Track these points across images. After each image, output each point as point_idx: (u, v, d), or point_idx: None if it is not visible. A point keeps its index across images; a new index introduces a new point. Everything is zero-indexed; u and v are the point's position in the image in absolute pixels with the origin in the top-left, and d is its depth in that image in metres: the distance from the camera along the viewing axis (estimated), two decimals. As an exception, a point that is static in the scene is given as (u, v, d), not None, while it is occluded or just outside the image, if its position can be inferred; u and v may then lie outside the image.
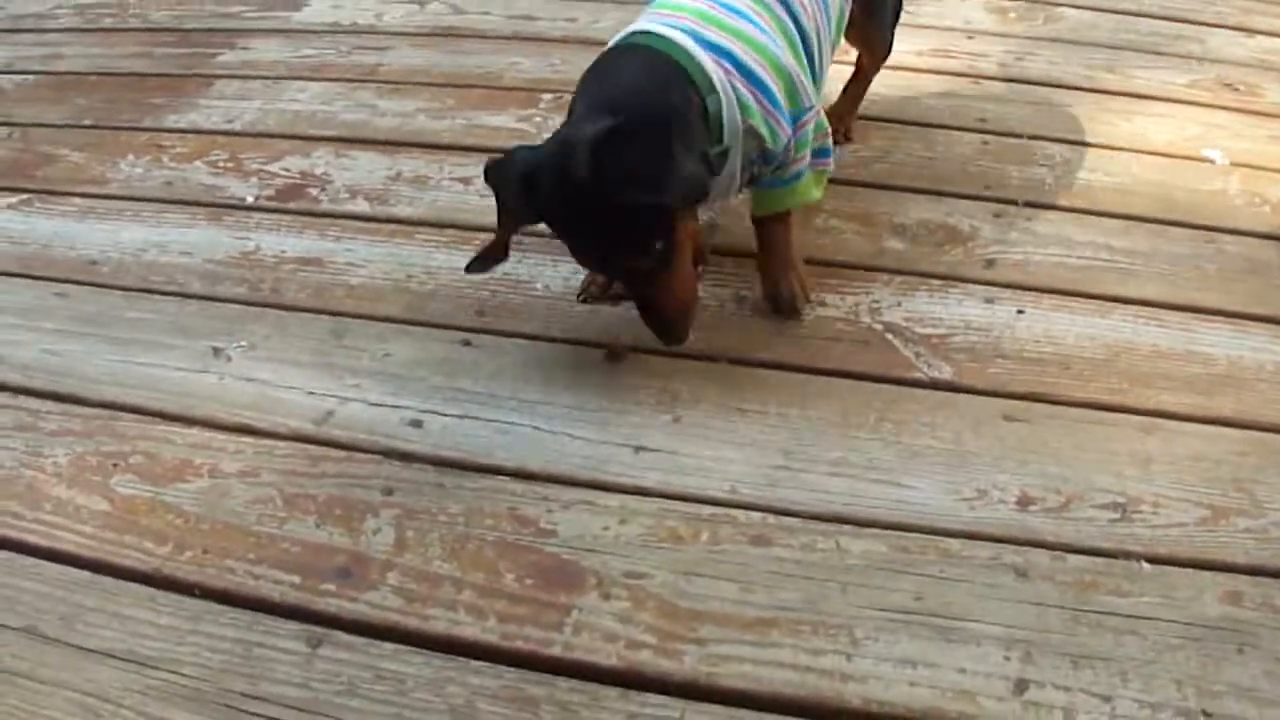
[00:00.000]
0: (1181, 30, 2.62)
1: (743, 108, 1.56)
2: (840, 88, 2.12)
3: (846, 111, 2.14)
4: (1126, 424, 1.52)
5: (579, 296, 1.77)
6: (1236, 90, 2.35)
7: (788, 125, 1.61)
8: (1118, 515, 1.39)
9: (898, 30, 2.14)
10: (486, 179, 1.53)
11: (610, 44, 1.62)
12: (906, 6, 2.34)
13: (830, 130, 1.72)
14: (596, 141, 1.41)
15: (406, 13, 2.76)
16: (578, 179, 1.41)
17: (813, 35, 1.72)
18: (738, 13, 1.62)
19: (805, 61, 1.69)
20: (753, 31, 1.60)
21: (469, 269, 1.59)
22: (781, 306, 1.72)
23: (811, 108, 1.65)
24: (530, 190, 1.47)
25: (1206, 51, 2.52)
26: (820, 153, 1.71)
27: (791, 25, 1.68)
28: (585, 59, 1.61)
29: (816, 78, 1.74)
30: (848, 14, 1.87)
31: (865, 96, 2.15)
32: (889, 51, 2.13)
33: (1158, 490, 1.42)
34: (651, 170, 1.42)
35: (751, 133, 1.58)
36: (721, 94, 1.54)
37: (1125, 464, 1.46)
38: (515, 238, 1.57)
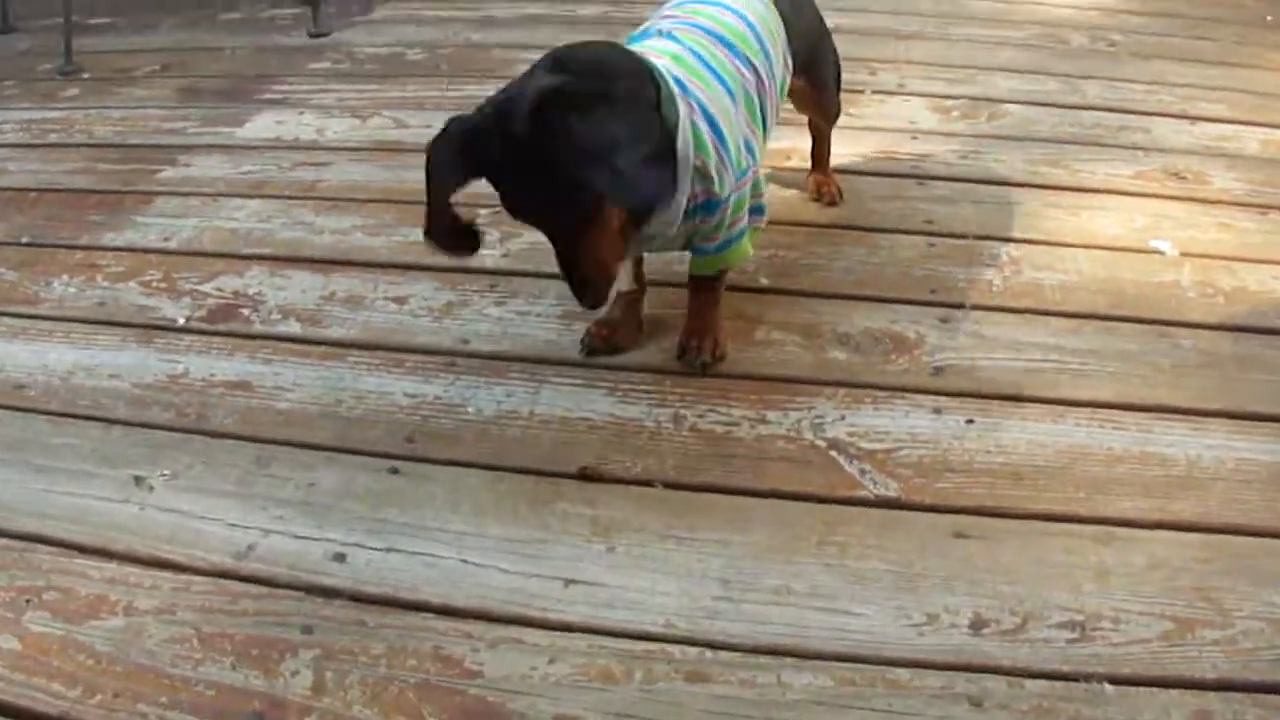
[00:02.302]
0: (1125, 121, 2.61)
1: (698, 143, 1.58)
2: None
3: (825, 174, 2.26)
4: (1083, 535, 1.45)
5: (581, 350, 1.81)
6: (1183, 179, 2.32)
7: (734, 178, 1.64)
8: (1076, 634, 1.31)
9: (842, 134, 2.15)
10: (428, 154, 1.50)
11: None
12: (849, 110, 2.34)
13: (763, 192, 1.78)
14: (540, 98, 1.39)
15: (349, 127, 2.74)
16: (514, 134, 1.40)
17: (770, 99, 1.79)
18: (709, 68, 1.67)
19: (761, 124, 1.77)
20: (719, 88, 1.66)
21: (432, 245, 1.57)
22: (690, 363, 1.77)
23: (752, 169, 1.70)
24: (468, 149, 1.46)
25: (1151, 141, 2.51)
26: (755, 210, 1.76)
27: (753, 88, 1.74)
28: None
29: (764, 139, 1.80)
30: (789, 83, 1.93)
31: (808, 197, 2.25)
32: (839, 111, 2.24)
33: (1118, 605, 1.34)
34: (592, 142, 1.40)
35: (701, 173, 1.59)
36: (681, 121, 1.54)
37: (1083, 578, 1.38)
38: (448, 358, 1.53)
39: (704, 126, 1.60)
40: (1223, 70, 2.95)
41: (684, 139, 1.55)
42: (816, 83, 2.07)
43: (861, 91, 2.77)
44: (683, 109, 1.56)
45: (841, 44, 2.21)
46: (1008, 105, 2.71)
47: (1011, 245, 2.08)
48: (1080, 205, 2.22)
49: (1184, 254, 2.05)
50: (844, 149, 2.38)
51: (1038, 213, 2.19)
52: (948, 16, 3.40)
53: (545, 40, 3.17)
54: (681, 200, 1.59)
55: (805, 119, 2.23)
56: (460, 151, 1.46)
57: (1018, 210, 2.20)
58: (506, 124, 1.42)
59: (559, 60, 1.50)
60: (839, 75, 2.19)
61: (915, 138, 2.54)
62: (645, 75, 1.53)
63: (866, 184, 2.32)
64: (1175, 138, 2.53)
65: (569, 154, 1.39)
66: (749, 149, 1.69)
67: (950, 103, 2.73)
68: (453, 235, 1.56)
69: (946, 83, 2.86)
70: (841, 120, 2.30)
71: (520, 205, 1.51)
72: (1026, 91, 2.79)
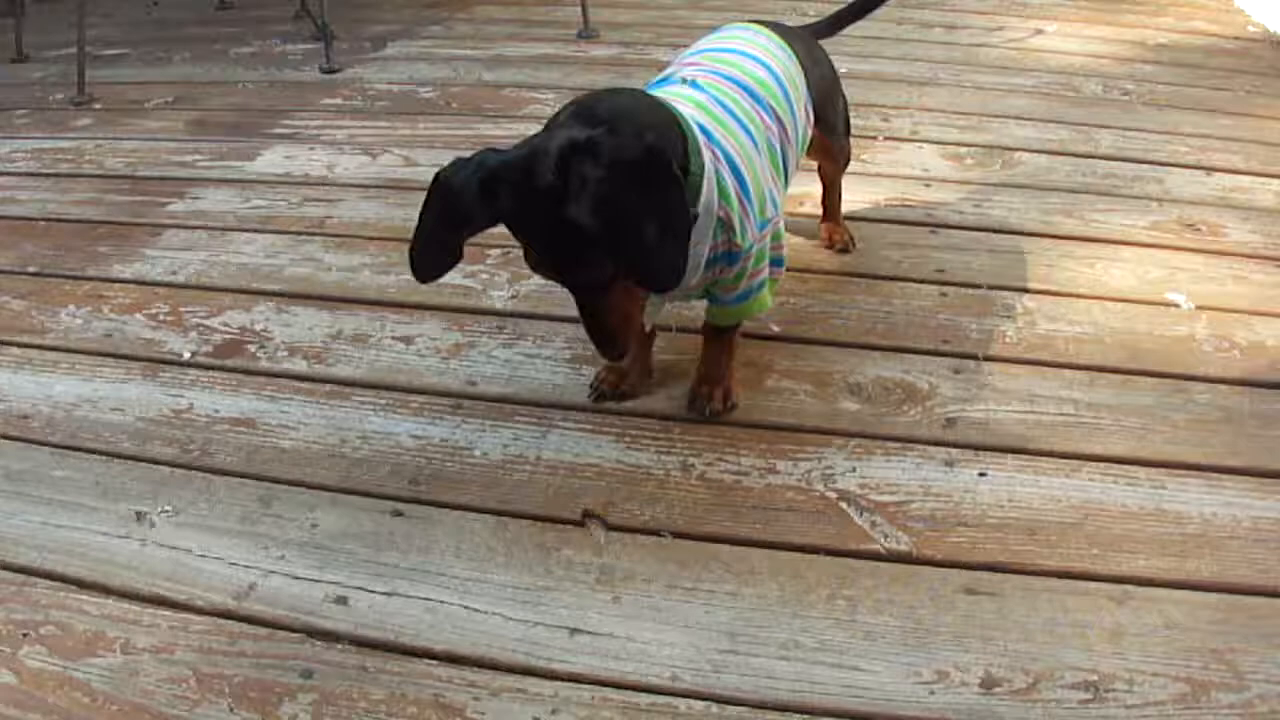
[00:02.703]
0: (1139, 171, 2.59)
1: (722, 194, 1.56)
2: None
3: (838, 223, 2.26)
4: (1097, 593, 1.42)
5: (590, 395, 1.81)
6: (1198, 230, 2.30)
7: (756, 229, 1.62)
8: (1089, 695, 1.28)
9: (854, 181, 2.13)
10: (434, 182, 1.43)
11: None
12: (860, 156, 2.33)
13: (783, 243, 1.76)
14: (568, 150, 1.37)
15: (360, 164, 2.73)
16: (540, 186, 1.38)
17: (790, 148, 1.79)
18: (735, 117, 1.66)
19: (783, 175, 1.77)
20: (744, 137, 1.64)
21: (417, 277, 1.49)
22: (700, 410, 1.77)
23: (772, 220, 1.68)
24: (490, 192, 1.41)
25: (1166, 192, 2.49)
26: (775, 261, 1.74)
27: (776, 138, 1.74)
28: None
29: (785, 190, 1.80)
30: (810, 135, 1.93)
31: (820, 244, 2.24)
32: (850, 158, 2.23)
33: (1132, 665, 1.32)
34: (618, 209, 1.38)
35: (724, 224, 1.58)
36: (707, 171, 1.53)
37: (1096, 637, 1.36)
38: (455, 400, 1.48)
39: (729, 177, 1.58)
40: (1237, 121, 2.94)
41: (708, 189, 1.53)
42: (828, 130, 2.07)
43: (874, 138, 2.76)
44: (708, 159, 1.54)
45: (854, 90, 2.21)
46: (1021, 153, 2.70)
47: (1025, 296, 2.06)
48: (1095, 256, 2.20)
49: (1200, 307, 2.03)
50: (856, 196, 2.37)
51: (1052, 263, 2.18)
52: (960, 64, 3.40)
53: (555, 81, 3.21)
54: (703, 251, 1.57)
55: (815, 165, 2.21)
56: (484, 194, 1.41)
57: (1031, 260, 2.19)
58: (533, 173, 1.38)
59: (587, 108, 1.47)
60: (848, 122, 2.19)
61: (928, 185, 2.52)
62: (673, 126, 1.51)
63: (879, 231, 2.30)
64: (1190, 189, 2.51)
65: (593, 216, 1.36)
66: (772, 200, 1.68)
67: (963, 150, 2.71)
68: (440, 268, 1.50)
69: (959, 130, 2.85)
70: (854, 167, 2.30)
71: (542, 259, 1.47)
72: (1040, 140, 2.78)
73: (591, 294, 1.47)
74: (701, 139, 1.55)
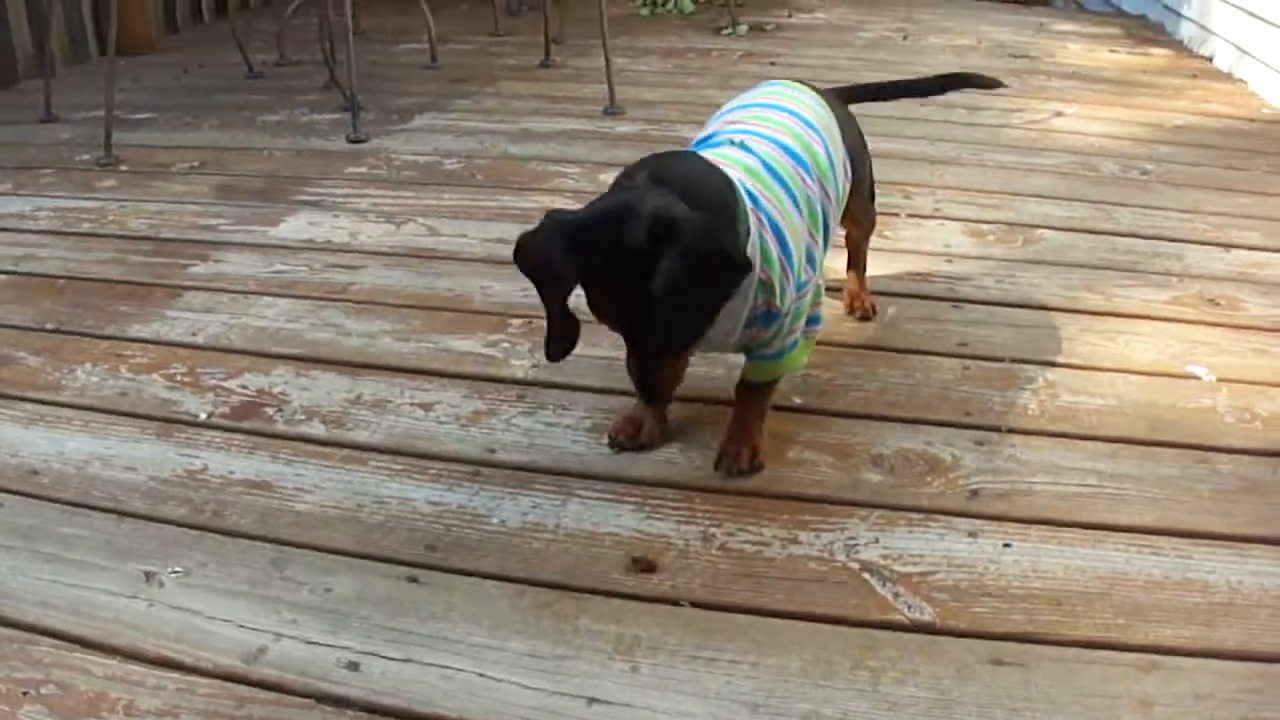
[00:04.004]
0: (1158, 248, 2.60)
1: (764, 256, 1.62)
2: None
3: (862, 289, 2.29)
4: (1123, 662, 1.40)
5: (610, 445, 1.84)
6: (1218, 305, 2.31)
7: (794, 291, 1.68)
8: (1119, 768, 1.26)
9: (877, 256, 2.18)
10: (518, 254, 1.56)
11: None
12: (883, 232, 2.34)
13: (821, 300, 1.82)
14: (659, 224, 1.47)
15: (383, 232, 2.75)
16: (626, 248, 1.47)
17: (831, 210, 1.84)
18: (779, 180, 1.71)
19: (822, 234, 1.80)
20: (788, 201, 1.70)
21: (550, 357, 1.60)
22: (725, 468, 1.78)
23: (811, 282, 1.74)
24: (577, 248, 1.50)
25: (1185, 268, 2.49)
26: (812, 320, 1.80)
27: (817, 199, 1.78)
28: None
29: (825, 250, 1.84)
30: (846, 196, 1.97)
31: (843, 311, 2.28)
32: (874, 223, 2.28)
33: (1162, 738, 1.30)
34: (695, 294, 1.49)
35: (764, 286, 1.63)
36: (752, 234, 1.60)
37: (1124, 708, 1.34)
38: (473, 467, 1.52)
39: (771, 241, 1.63)
40: (1256, 199, 2.95)
41: (752, 252, 1.59)
42: (858, 191, 2.09)
43: (896, 215, 2.77)
44: (754, 224, 1.60)
45: (877, 168, 2.22)
46: (1042, 230, 2.70)
47: (1048, 369, 2.06)
48: (1116, 330, 2.20)
49: (1221, 379, 2.02)
50: (879, 270, 2.37)
51: (1074, 337, 2.17)
52: (981, 144, 3.42)
53: (581, 155, 3.24)
54: (743, 312, 1.62)
55: (843, 234, 2.23)
56: (570, 251, 1.50)
57: (1053, 334, 2.19)
58: (619, 235, 1.47)
59: (655, 173, 1.56)
60: (873, 188, 2.22)
61: (950, 261, 2.53)
62: (730, 193, 1.59)
63: (901, 306, 2.31)
64: (1209, 264, 2.52)
65: (664, 291, 1.45)
66: (810, 259, 1.73)
67: (985, 227, 2.72)
68: (570, 338, 1.60)
69: (980, 207, 2.86)
70: (877, 243, 2.31)
71: (609, 312, 1.56)
72: (1061, 217, 2.79)
73: (649, 357, 1.60)
74: (748, 204, 1.61)
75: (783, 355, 1.75)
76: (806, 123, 1.84)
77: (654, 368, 1.61)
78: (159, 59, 4.68)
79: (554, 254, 1.51)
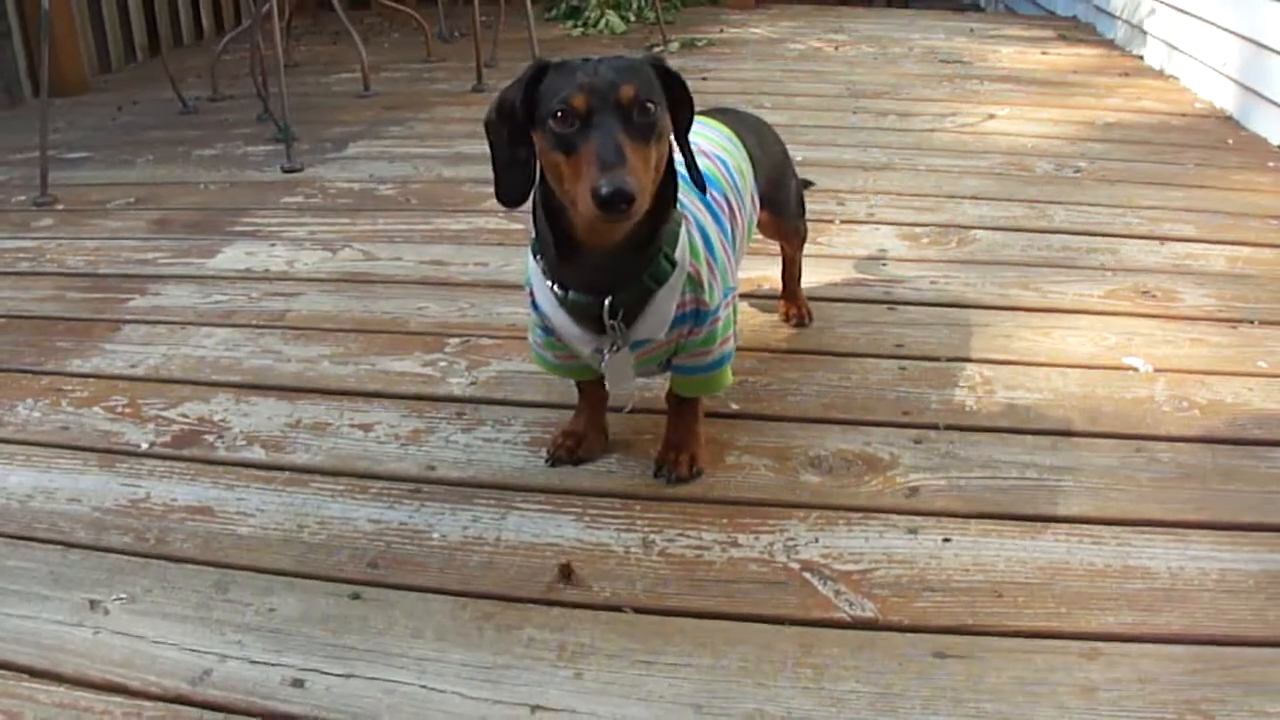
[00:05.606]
0: (1093, 243, 2.62)
1: (693, 251, 1.65)
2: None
3: (796, 294, 2.30)
4: (1066, 651, 1.40)
5: (546, 460, 1.83)
6: (1153, 297, 2.32)
7: (721, 293, 1.70)
8: (1063, 754, 1.26)
9: (812, 263, 2.18)
10: (494, 112, 1.57)
11: None
12: (817, 239, 2.34)
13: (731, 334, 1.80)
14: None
15: (320, 259, 2.73)
16: (624, 60, 1.52)
17: (738, 231, 1.85)
18: (697, 193, 1.71)
19: (734, 249, 1.82)
20: (706, 211, 1.74)
21: (507, 202, 1.60)
22: (664, 477, 1.78)
23: (733, 290, 1.77)
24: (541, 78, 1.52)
25: (1120, 262, 2.51)
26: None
27: (726, 217, 1.80)
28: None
29: (735, 266, 1.85)
30: (756, 219, 2.03)
31: (779, 319, 2.28)
32: (805, 236, 2.28)
33: (1105, 721, 1.30)
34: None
35: (693, 281, 1.65)
36: (680, 229, 1.63)
37: (1068, 695, 1.33)
38: (414, 484, 1.53)
39: (698, 238, 1.66)
40: (1187, 192, 2.98)
41: (682, 245, 1.61)
42: (780, 211, 2.12)
43: (830, 221, 2.78)
44: (688, 213, 1.66)
45: (810, 177, 2.22)
46: (976, 231, 2.72)
47: (984, 366, 2.07)
48: (1052, 325, 2.21)
49: (1158, 370, 2.03)
50: (814, 277, 2.38)
51: (1010, 334, 2.18)
52: (914, 149, 3.44)
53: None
54: (671, 306, 1.63)
55: (777, 247, 2.26)
56: (533, 81, 1.52)
57: (989, 332, 2.19)
58: (612, 59, 1.51)
59: None
60: (802, 202, 2.23)
61: (885, 264, 2.54)
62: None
63: (837, 310, 2.31)
64: (1144, 257, 2.54)
65: (670, 80, 1.54)
66: (729, 271, 1.76)
67: (919, 230, 2.73)
68: (526, 186, 1.59)
69: (914, 211, 2.87)
70: (811, 249, 2.31)
71: (596, 84, 1.47)
72: (994, 218, 2.81)
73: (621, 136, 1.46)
74: (683, 191, 1.65)
75: (716, 367, 1.74)
76: (718, 158, 1.87)
77: (624, 160, 1.43)
78: (93, 98, 4.64)
79: (519, 92, 1.53)
